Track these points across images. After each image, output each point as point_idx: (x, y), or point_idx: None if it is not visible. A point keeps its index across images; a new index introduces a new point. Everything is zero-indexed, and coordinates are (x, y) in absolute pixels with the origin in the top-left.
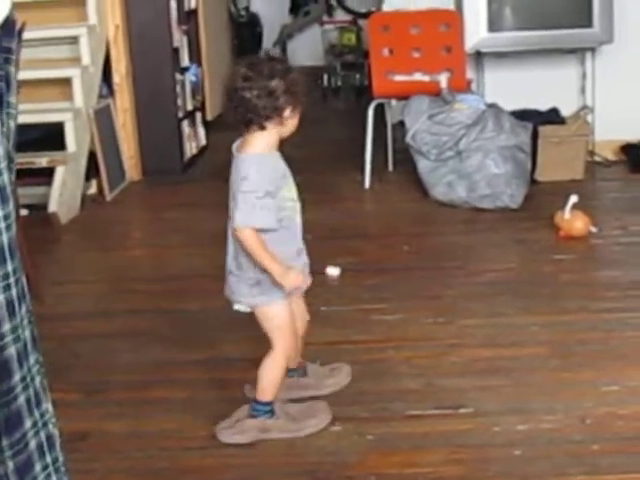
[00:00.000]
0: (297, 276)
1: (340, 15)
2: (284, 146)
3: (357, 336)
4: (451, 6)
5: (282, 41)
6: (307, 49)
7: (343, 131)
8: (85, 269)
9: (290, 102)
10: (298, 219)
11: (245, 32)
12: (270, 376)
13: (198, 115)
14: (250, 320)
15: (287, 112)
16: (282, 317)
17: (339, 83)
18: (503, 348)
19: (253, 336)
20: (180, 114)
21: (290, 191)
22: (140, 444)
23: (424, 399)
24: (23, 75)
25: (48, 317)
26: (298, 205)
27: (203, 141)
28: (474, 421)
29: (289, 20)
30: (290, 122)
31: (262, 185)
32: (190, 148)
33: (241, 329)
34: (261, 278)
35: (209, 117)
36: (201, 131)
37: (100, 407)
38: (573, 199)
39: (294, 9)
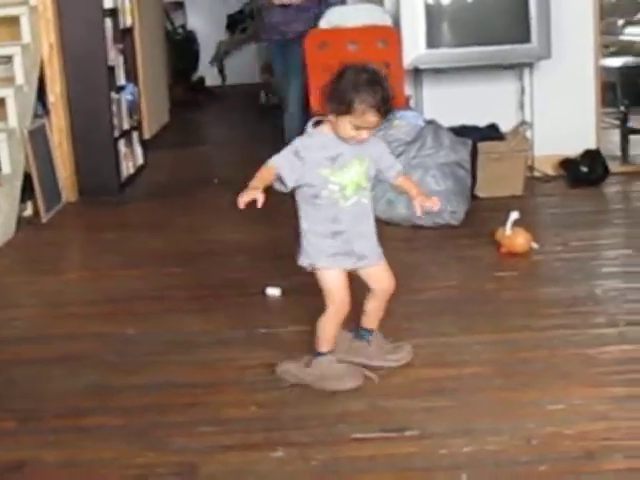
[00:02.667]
0: (246, 194)
1: None
2: (223, 166)
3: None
4: (389, 22)
5: (219, 58)
6: (243, 66)
7: (281, 148)
8: (20, 293)
9: (340, 105)
10: (344, 204)
11: (182, 50)
12: (321, 330)
13: (135, 134)
14: (191, 343)
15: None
16: (328, 281)
17: (276, 100)
18: (447, 368)
19: (194, 360)
20: (116, 133)
21: (337, 177)
22: (76, 474)
23: (368, 421)
24: None
25: None
26: (349, 193)
27: (140, 160)
28: (420, 444)
29: (226, 37)
30: (341, 125)
31: (297, 146)
32: (127, 167)
33: (179, 353)
34: (303, 243)
35: (146, 136)
36: (138, 150)
37: (36, 435)
38: (514, 215)
39: (231, 26)
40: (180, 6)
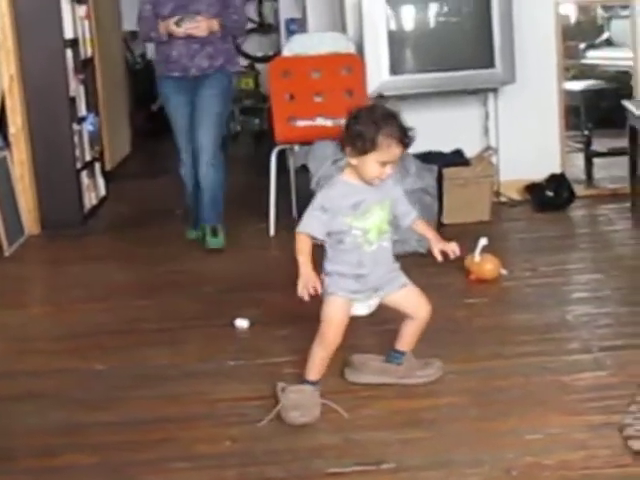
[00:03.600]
0: (305, 286)
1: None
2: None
3: (269, 391)
4: (352, 50)
5: None
6: None
7: (244, 177)
8: None
9: (364, 144)
10: (368, 249)
11: (141, 79)
12: (311, 357)
13: (97, 165)
14: (160, 377)
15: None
16: (331, 308)
17: (238, 128)
18: (421, 398)
19: (164, 394)
20: (78, 165)
21: (360, 223)
22: None
23: (343, 455)
24: None
25: None
26: (372, 238)
27: (103, 191)
28: (396, 477)
29: None
30: (365, 164)
31: (321, 201)
32: (90, 199)
33: (148, 387)
34: (326, 280)
35: (108, 167)
36: (100, 181)
37: (6, 476)
38: (483, 242)
39: None
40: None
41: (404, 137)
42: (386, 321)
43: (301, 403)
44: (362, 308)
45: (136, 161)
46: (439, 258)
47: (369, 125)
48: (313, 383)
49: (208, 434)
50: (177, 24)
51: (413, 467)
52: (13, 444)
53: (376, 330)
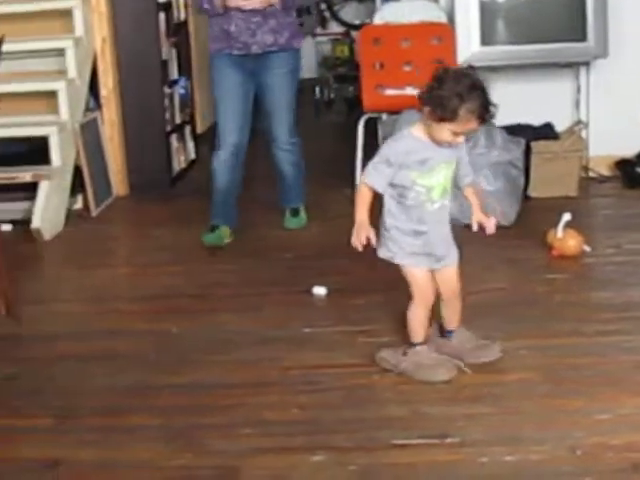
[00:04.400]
0: (358, 235)
1: (333, 27)
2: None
3: (341, 359)
4: (443, 19)
5: None
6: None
7: (335, 145)
8: (66, 287)
9: (444, 113)
10: (430, 207)
11: None
12: (409, 322)
13: (187, 128)
14: (234, 343)
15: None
16: (412, 277)
17: (332, 95)
18: (491, 374)
19: (237, 359)
20: (168, 127)
21: (425, 180)
22: (111, 474)
23: (410, 427)
24: (8, 88)
25: (25, 337)
26: (436, 196)
27: (192, 155)
28: (460, 451)
29: None
30: (439, 130)
31: (387, 154)
32: (179, 162)
33: (223, 352)
34: (385, 236)
35: (199, 130)
36: (190, 145)
37: (72, 434)
38: (566, 217)
39: None
40: None
41: (485, 113)
42: None
43: (441, 362)
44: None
45: None
46: (475, 228)
47: (453, 95)
48: (422, 344)
49: (277, 401)
50: None
51: (477, 442)
52: (81, 403)
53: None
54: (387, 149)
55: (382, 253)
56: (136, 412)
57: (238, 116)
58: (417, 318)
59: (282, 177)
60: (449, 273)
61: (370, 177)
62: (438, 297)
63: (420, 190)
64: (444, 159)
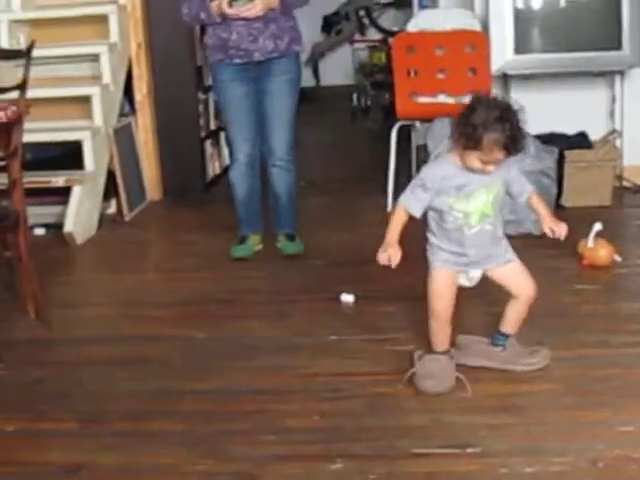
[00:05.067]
0: (383, 254)
1: (371, 34)
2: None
3: (366, 367)
4: (477, 27)
5: (314, 60)
6: (337, 68)
7: (371, 152)
8: (96, 292)
9: (468, 141)
10: (468, 232)
11: None
12: (430, 331)
13: (222, 134)
14: (260, 349)
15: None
16: (436, 284)
17: (369, 102)
18: (517, 384)
19: (261, 366)
20: (203, 133)
21: (462, 205)
22: (132, 479)
23: (431, 437)
24: (43, 93)
25: (53, 341)
26: (473, 221)
27: (227, 161)
28: (481, 462)
29: (321, 39)
30: (468, 157)
31: (424, 178)
32: (213, 168)
33: (246, 358)
34: (429, 250)
35: None
36: (225, 151)
37: (96, 438)
38: (597, 227)
39: (326, 27)
40: None
41: (511, 144)
42: (495, 303)
43: (436, 373)
44: (463, 279)
45: None
46: (549, 234)
47: (479, 124)
48: (443, 353)
49: (299, 408)
50: (230, 3)
51: (498, 452)
52: (106, 407)
53: (484, 311)
54: (425, 173)
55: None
56: (159, 417)
57: (248, 126)
58: (432, 329)
59: (276, 199)
60: (505, 273)
61: (407, 200)
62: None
63: (457, 215)
64: (483, 184)
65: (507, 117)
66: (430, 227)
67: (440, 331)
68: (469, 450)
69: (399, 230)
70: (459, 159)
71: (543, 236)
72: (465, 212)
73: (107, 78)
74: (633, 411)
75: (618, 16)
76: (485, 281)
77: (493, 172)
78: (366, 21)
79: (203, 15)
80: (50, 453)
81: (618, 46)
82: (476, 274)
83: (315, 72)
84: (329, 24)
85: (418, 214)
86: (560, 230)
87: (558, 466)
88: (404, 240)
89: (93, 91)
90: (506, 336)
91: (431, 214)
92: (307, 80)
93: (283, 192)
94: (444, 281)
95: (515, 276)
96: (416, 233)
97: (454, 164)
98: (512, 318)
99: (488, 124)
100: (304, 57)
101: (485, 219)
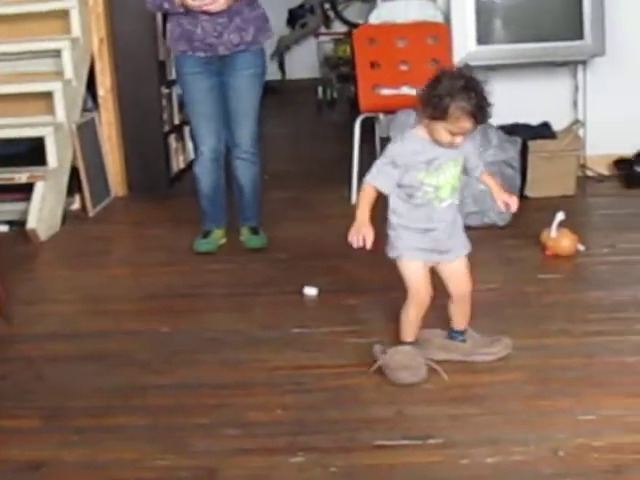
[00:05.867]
0: (356, 233)
1: (337, 27)
2: (276, 161)
3: (329, 360)
4: (439, 18)
5: (279, 53)
6: (303, 61)
7: (336, 144)
8: (59, 288)
9: (435, 110)
10: (438, 206)
11: None
12: (401, 320)
13: (186, 129)
14: (223, 343)
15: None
16: (408, 273)
17: (334, 95)
18: (477, 374)
19: (225, 359)
20: (167, 128)
21: (432, 179)
22: (94, 475)
23: (392, 428)
24: (4, 89)
25: (15, 338)
26: (444, 194)
27: (192, 155)
28: (442, 453)
29: (286, 32)
30: (436, 129)
31: (392, 155)
32: (177, 162)
33: (210, 352)
34: (392, 235)
35: None
36: (190, 145)
37: (58, 434)
38: (559, 217)
39: (291, 21)
40: None
41: (478, 112)
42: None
43: (408, 363)
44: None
45: None
46: (502, 208)
47: (444, 94)
48: (410, 344)
49: (262, 401)
50: None
51: (460, 443)
52: (69, 403)
53: (443, 304)
54: (392, 150)
55: (391, 253)
56: (122, 412)
57: (212, 120)
58: (408, 317)
59: (240, 192)
60: (454, 269)
61: (376, 178)
62: (448, 299)
63: (428, 189)
64: (451, 157)
65: (472, 86)
66: (394, 207)
67: (415, 319)
68: (430, 441)
69: (369, 209)
70: (427, 132)
71: (506, 227)
72: (436, 186)
73: (69, 73)
74: (594, 400)
75: (580, 6)
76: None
77: (460, 144)
78: (331, 14)
79: (167, 5)
80: (11, 450)
81: (580, 36)
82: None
83: (281, 65)
84: (294, 17)
85: (389, 190)
86: (513, 201)
87: (519, 455)
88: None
89: (55, 87)
90: (461, 332)
91: (396, 193)
92: (273, 73)
93: (247, 185)
94: (416, 270)
95: (460, 274)
96: (378, 230)
97: (422, 138)
98: (458, 315)
99: (454, 93)
100: (270, 50)
101: (454, 193)
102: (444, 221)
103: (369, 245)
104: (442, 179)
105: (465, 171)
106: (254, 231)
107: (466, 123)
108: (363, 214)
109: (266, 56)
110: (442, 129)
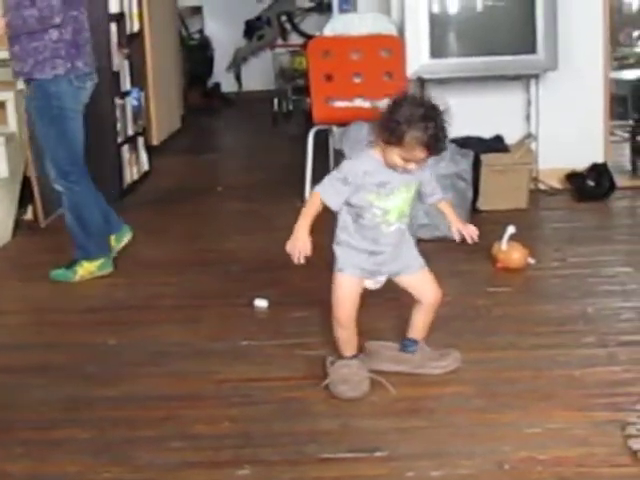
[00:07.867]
0: (293, 246)
1: (293, 39)
2: (230, 174)
3: (276, 373)
4: (393, 31)
5: (236, 65)
6: (259, 73)
7: (291, 156)
8: (6, 298)
9: (391, 137)
10: (386, 230)
11: (196, 55)
12: (335, 337)
13: (140, 140)
14: (170, 355)
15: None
16: (341, 292)
17: (290, 107)
18: (425, 387)
19: (172, 371)
20: (120, 139)
21: (382, 202)
22: None
23: (339, 441)
24: None
25: None
26: (392, 219)
27: (146, 166)
28: (387, 466)
29: (243, 44)
30: (389, 153)
31: (345, 172)
32: (130, 174)
33: (158, 364)
34: (337, 250)
35: (155, 142)
36: (143, 156)
37: (2, 448)
38: (510, 230)
39: (248, 32)
40: (198, 11)
41: (433, 144)
42: (404, 306)
43: (349, 378)
44: (369, 283)
45: (185, 137)
46: (457, 238)
47: (403, 120)
48: (352, 358)
49: (209, 414)
50: None
51: (405, 456)
52: (14, 416)
53: (393, 315)
54: (345, 167)
55: (335, 269)
56: (68, 425)
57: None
58: (337, 335)
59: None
60: (419, 281)
61: (325, 191)
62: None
63: (376, 212)
64: (404, 182)
65: (432, 116)
66: (343, 224)
67: (346, 337)
68: (377, 454)
69: (311, 221)
70: (380, 155)
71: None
72: (385, 210)
73: (21, 83)
74: (540, 413)
75: (533, 20)
76: (392, 284)
77: (413, 171)
78: (288, 26)
79: None
80: None
81: (533, 50)
82: (383, 278)
83: (237, 77)
84: (251, 29)
85: (336, 207)
86: (468, 231)
87: (464, 469)
88: (317, 245)
89: (7, 96)
90: (415, 342)
91: (346, 209)
92: (230, 85)
93: (66, 217)
94: (350, 288)
95: (422, 284)
96: (326, 242)
97: (376, 160)
98: (419, 324)
99: (412, 121)
100: (225, 63)
101: (403, 218)
102: (390, 245)
103: (302, 260)
104: (391, 203)
105: (419, 196)
106: (70, 263)
107: (420, 153)
108: (303, 226)
109: (52, 92)
110: (395, 155)
